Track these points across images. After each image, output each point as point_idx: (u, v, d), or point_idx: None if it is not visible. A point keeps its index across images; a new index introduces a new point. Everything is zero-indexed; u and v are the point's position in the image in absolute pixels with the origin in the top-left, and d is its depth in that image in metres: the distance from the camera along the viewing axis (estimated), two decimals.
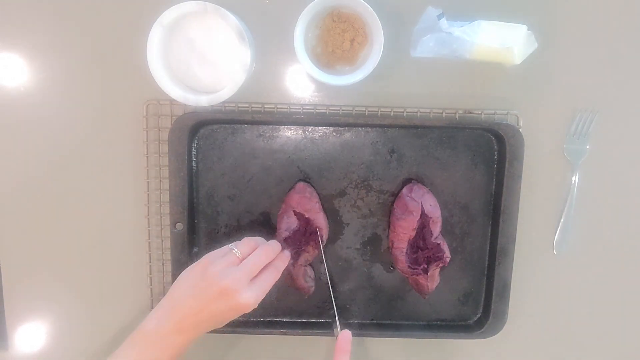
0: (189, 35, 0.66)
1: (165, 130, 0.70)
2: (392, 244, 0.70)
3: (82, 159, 0.71)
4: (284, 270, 0.68)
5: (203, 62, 0.66)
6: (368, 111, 0.70)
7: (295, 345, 0.75)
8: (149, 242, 0.72)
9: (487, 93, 0.71)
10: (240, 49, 0.64)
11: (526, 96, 0.71)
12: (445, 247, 0.69)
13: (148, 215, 0.72)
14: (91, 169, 0.72)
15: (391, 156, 0.71)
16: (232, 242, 0.62)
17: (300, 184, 0.70)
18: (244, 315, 0.59)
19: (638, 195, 0.73)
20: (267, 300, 0.72)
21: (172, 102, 0.70)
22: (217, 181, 0.71)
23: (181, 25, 0.66)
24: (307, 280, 0.71)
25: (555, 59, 0.70)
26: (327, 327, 0.72)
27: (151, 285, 0.73)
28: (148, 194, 0.72)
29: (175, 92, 0.66)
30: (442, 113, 0.70)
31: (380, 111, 0.70)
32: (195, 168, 0.71)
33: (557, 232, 0.73)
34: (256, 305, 0.59)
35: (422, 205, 0.68)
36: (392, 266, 0.73)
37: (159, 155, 0.71)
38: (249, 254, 0.60)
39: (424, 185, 0.70)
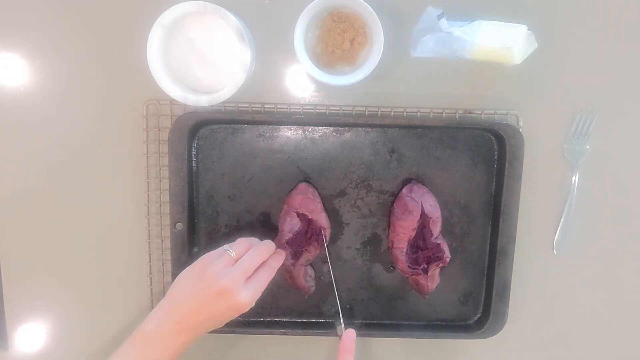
0: (189, 35, 0.66)
1: (165, 130, 0.70)
2: (392, 244, 0.70)
3: (82, 159, 0.71)
4: (284, 269, 0.69)
5: (203, 62, 0.66)
6: (368, 111, 0.70)
7: (295, 345, 0.75)
8: (149, 242, 0.72)
9: (487, 93, 0.71)
10: (240, 49, 0.64)
11: (526, 96, 0.71)
12: (445, 247, 0.69)
13: (148, 215, 0.72)
14: (91, 169, 0.72)
15: (391, 156, 0.71)
16: (232, 242, 0.62)
17: (302, 185, 0.70)
18: (244, 315, 0.60)
19: (638, 195, 0.73)
20: (267, 300, 0.72)
21: (172, 102, 0.70)
22: (217, 181, 0.71)
23: (181, 25, 0.66)
24: (307, 280, 0.71)
25: (555, 59, 0.70)
26: (327, 327, 0.72)
27: (151, 285, 0.73)
28: (148, 194, 0.72)
29: (175, 92, 0.66)
30: (442, 113, 0.70)
31: (380, 111, 0.70)
32: (195, 168, 0.71)
33: (557, 232, 0.73)
34: (253, 305, 0.59)
35: (422, 205, 0.68)
36: (392, 266, 0.73)
37: (159, 155, 0.71)
38: (244, 254, 0.61)
39: (424, 185, 0.70)
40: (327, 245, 0.70)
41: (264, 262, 0.62)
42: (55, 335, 0.75)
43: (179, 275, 0.61)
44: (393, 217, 0.70)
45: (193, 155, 0.70)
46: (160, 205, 0.72)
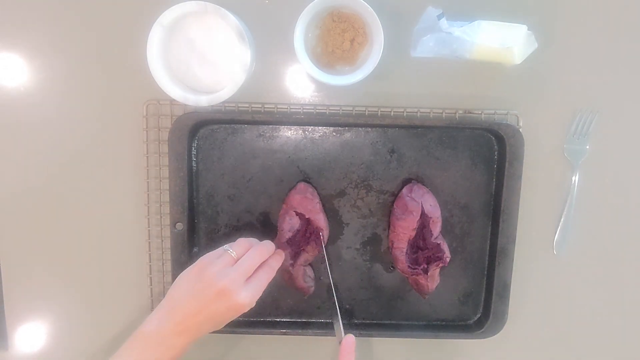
0: (189, 35, 0.66)
1: (165, 130, 0.70)
2: (392, 244, 0.70)
3: (82, 159, 0.71)
4: (284, 270, 0.69)
5: (203, 62, 0.66)
6: (368, 111, 0.70)
7: (295, 345, 0.75)
8: (149, 242, 0.72)
9: (487, 93, 0.71)
10: (240, 49, 0.64)
11: (526, 96, 0.71)
12: (445, 247, 0.69)
13: (148, 215, 0.72)
14: (91, 169, 0.72)
15: (391, 156, 0.71)
16: (232, 242, 0.62)
17: (302, 184, 0.70)
18: (244, 315, 0.60)
19: (638, 195, 0.73)
20: (267, 300, 0.72)
21: (172, 102, 0.70)
22: (217, 181, 0.71)
23: (181, 25, 0.66)
24: (306, 281, 0.71)
25: (555, 59, 0.70)
26: (327, 327, 0.72)
27: (151, 285, 0.73)
28: (148, 194, 0.72)
29: (175, 92, 0.66)
30: (442, 113, 0.70)
31: (380, 111, 0.70)
32: (195, 168, 0.71)
33: (557, 232, 0.73)
34: (253, 305, 0.59)
35: (422, 205, 0.68)
36: (392, 266, 0.73)
37: (159, 155, 0.71)
38: (244, 255, 0.61)
39: (424, 185, 0.70)
40: (325, 247, 0.70)
41: (263, 262, 0.62)
42: (55, 335, 0.75)
43: (178, 276, 0.61)
44: (393, 217, 0.70)
45: (193, 155, 0.70)
46: (160, 205, 0.72)
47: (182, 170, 0.69)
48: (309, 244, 0.70)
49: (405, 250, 0.69)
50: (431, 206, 0.69)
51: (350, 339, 0.64)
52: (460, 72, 0.70)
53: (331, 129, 0.71)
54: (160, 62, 0.66)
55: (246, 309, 0.59)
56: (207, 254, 0.61)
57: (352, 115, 0.70)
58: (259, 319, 0.73)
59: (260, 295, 0.60)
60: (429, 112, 0.70)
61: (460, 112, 0.70)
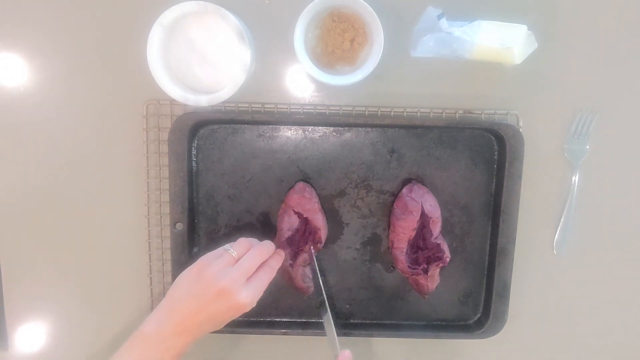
0: (189, 35, 0.66)
1: (165, 130, 0.70)
2: (392, 244, 0.70)
3: (82, 159, 0.71)
4: (283, 270, 0.69)
5: (203, 62, 0.66)
6: (368, 111, 0.70)
7: (295, 345, 0.75)
8: (149, 242, 0.72)
9: (487, 93, 0.71)
10: (240, 49, 0.64)
11: (526, 96, 0.71)
12: (445, 247, 0.69)
13: (148, 215, 0.72)
14: (91, 169, 0.72)
15: (391, 156, 0.71)
16: (232, 242, 0.62)
17: (300, 184, 0.70)
18: (244, 315, 0.60)
19: (638, 195, 0.73)
20: (267, 300, 0.72)
21: (172, 102, 0.70)
22: (217, 181, 0.71)
23: (181, 25, 0.66)
24: (305, 281, 0.70)
25: (555, 59, 0.70)
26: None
27: (151, 285, 0.73)
28: (148, 194, 0.72)
29: (175, 92, 0.66)
30: (442, 113, 0.70)
31: (380, 111, 0.70)
32: (195, 168, 0.71)
33: (557, 232, 0.73)
34: (254, 305, 0.59)
35: (422, 205, 0.68)
36: (392, 266, 0.73)
37: (159, 155, 0.71)
38: (244, 255, 0.60)
39: (424, 185, 0.70)
40: (322, 246, 0.70)
41: (264, 262, 0.62)
42: (55, 335, 0.75)
43: (178, 276, 0.61)
44: (393, 217, 0.70)
45: (193, 155, 0.70)
46: (160, 205, 0.72)
47: (182, 170, 0.69)
48: (307, 244, 0.69)
49: (405, 250, 0.69)
50: (431, 206, 0.69)
51: (346, 355, 0.63)
52: (460, 72, 0.70)
53: (331, 129, 0.71)
54: (160, 62, 0.66)
55: (247, 309, 0.59)
56: (207, 253, 0.61)
57: (352, 115, 0.70)
58: (259, 319, 0.73)
59: (261, 295, 0.60)
60: (429, 112, 0.70)
61: (460, 112, 0.70)
